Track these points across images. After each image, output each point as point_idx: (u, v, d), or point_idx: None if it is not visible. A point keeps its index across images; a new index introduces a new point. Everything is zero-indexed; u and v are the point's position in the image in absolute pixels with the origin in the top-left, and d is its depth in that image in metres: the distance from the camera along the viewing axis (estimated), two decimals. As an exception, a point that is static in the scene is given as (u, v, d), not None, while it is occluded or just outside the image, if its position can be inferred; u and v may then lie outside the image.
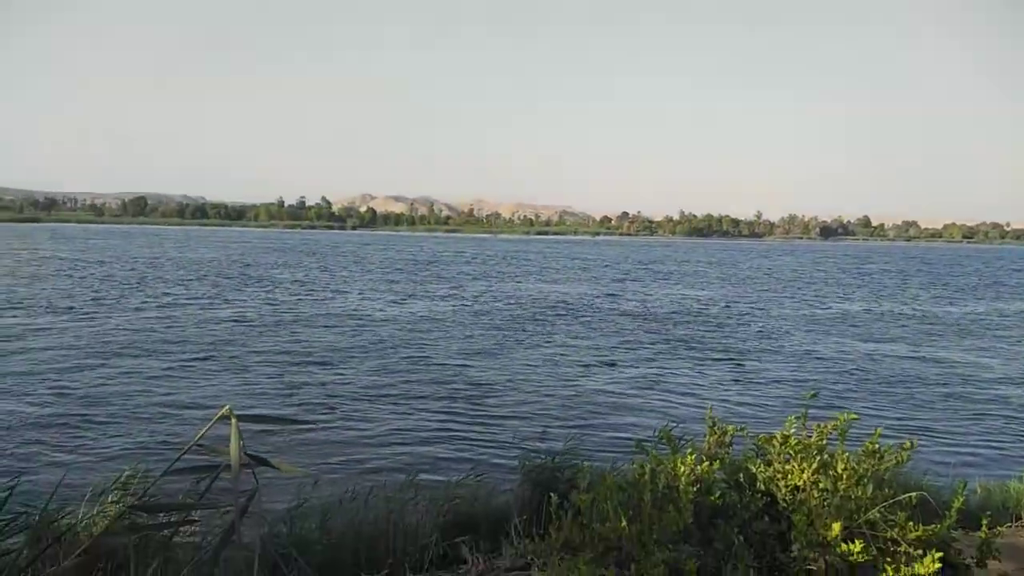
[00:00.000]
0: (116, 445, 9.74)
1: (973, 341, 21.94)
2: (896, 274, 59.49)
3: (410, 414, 11.59)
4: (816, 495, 3.46)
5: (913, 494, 3.39)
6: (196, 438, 1.73)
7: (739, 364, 16.95)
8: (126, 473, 4.71)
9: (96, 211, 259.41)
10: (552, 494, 3.60)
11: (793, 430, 3.86)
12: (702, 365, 16.66)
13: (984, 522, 3.56)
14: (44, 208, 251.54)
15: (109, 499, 4.16)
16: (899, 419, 12.24)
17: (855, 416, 3.75)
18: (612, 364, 16.49)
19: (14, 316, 21.51)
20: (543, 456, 6.33)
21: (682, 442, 4.26)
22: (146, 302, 26.29)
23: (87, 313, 22.71)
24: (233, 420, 1.59)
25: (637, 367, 16.17)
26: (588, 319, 24.83)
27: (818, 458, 3.58)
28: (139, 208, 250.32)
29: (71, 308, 23.76)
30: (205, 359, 15.84)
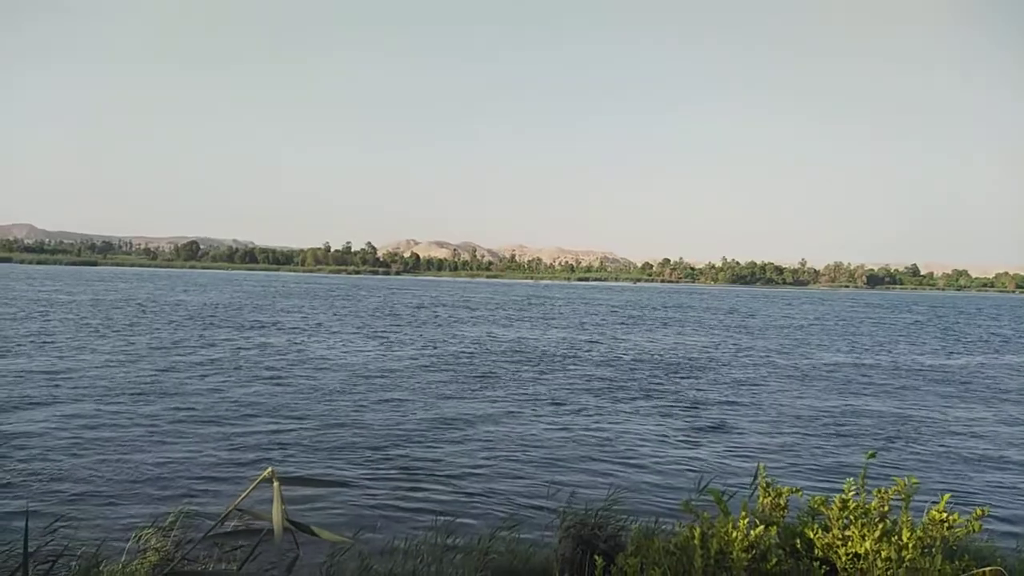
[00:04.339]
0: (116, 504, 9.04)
1: (997, 397, 20.77)
2: (924, 324, 56.18)
3: (435, 463, 11.30)
4: (880, 565, 3.25)
5: (988, 569, 3.14)
6: (236, 502, 1.63)
7: (717, 414, 16.31)
8: (156, 525, 4.60)
9: (150, 255, 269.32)
10: (597, 556, 3.46)
11: (852, 493, 3.66)
12: (670, 417, 15.98)
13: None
14: (101, 252, 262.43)
15: (141, 560, 4.06)
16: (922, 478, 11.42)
17: (916, 481, 3.53)
18: (617, 410, 16.10)
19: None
20: (582, 510, 6.15)
21: (727, 499, 4.08)
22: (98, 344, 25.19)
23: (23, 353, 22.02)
24: (276, 484, 1.48)
25: (649, 415, 15.72)
26: (578, 367, 24.39)
27: (880, 525, 3.37)
28: (191, 252, 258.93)
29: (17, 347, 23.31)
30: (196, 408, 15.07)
